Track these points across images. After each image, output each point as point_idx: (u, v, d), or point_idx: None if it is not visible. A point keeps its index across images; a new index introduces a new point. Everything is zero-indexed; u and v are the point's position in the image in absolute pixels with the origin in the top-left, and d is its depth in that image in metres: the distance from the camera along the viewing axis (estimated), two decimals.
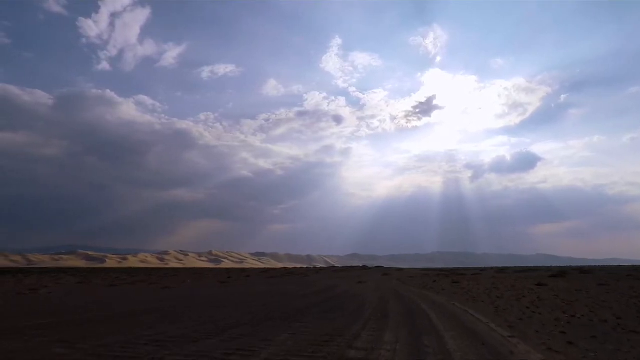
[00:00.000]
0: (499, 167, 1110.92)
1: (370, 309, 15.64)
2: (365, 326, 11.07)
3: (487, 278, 49.60)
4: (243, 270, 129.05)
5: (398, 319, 12.69)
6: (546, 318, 12.69)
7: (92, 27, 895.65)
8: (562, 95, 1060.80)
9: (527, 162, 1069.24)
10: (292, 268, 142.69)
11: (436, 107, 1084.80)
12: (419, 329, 10.65)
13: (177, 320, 12.47)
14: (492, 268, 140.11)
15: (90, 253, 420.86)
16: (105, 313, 14.53)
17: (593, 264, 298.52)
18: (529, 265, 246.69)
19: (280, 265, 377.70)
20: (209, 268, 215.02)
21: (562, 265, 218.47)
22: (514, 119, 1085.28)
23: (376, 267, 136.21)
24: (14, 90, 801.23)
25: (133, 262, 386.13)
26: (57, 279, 52.66)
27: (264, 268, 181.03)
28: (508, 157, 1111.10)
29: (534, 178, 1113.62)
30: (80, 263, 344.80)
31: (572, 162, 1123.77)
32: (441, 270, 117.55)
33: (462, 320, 12.27)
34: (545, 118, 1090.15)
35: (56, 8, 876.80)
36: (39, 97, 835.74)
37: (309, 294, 25.11)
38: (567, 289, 26.71)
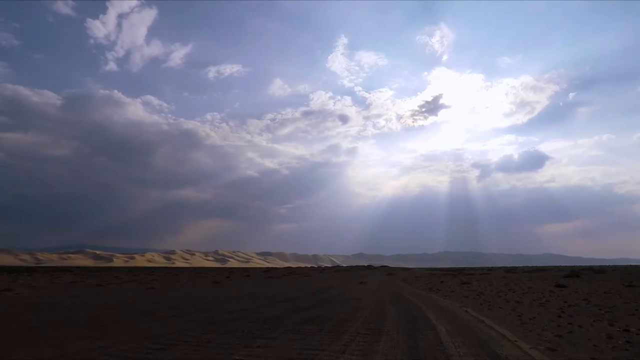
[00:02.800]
0: (507, 166, 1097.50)
1: (362, 318, 12.61)
2: (346, 347, 8.07)
3: (498, 278, 46.36)
4: (245, 269, 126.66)
5: (395, 334, 9.65)
6: (592, 333, 9.56)
7: (100, 28, 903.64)
8: (571, 94, 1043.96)
9: (535, 161, 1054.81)
10: (296, 267, 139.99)
11: (443, 106, 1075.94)
12: (421, 353, 7.64)
13: (105, 333, 9.56)
14: (500, 268, 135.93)
15: (98, 252, 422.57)
16: (21, 323, 11.69)
17: (602, 264, 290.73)
18: (538, 265, 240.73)
19: (286, 264, 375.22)
20: (212, 267, 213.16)
21: (570, 265, 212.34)
22: (522, 118, 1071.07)
23: (381, 266, 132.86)
24: (23, 91, 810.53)
25: (140, 261, 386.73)
26: (55, 278, 50.80)
27: (267, 267, 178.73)
28: (516, 156, 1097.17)
29: (542, 177, 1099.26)
30: (88, 262, 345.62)
31: (581, 160, 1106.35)
32: (448, 270, 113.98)
33: (481, 337, 9.20)
34: (553, 116, 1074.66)
35: (65, 9, 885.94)
36: (48, 98, 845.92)
37: (298, 296, 22.19)
38: (593, 291, 23.39)
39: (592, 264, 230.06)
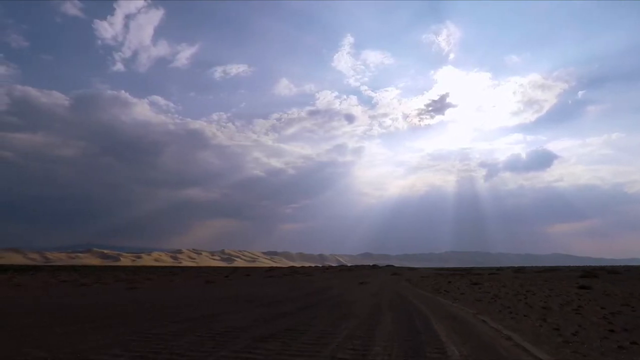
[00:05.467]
0: (514, 165, 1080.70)
1: (347, 331, 9.68)
2: None
3: (509, 279, 43.33)
4: (248, 269, 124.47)
5: None
6: None
7: (107, 29, 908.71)
8: (580, 92, 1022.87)
9: (543, 160, 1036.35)
10: (299, 267, 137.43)
11: (449, 105, 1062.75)
12: None
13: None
14: (508, 268, 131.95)
15: (105, 251, 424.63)
16: None
17: (613, 264, 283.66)
18: (546, 265, 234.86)
19: (292, 264, 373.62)
20: (217, 267, 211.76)
21: (580, 265, 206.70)
22: (530, 116, 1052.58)
23: (386, 266, 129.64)
24: (32, 91, 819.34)
25: (147, 260, 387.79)
26: (55, 277, 49.14)
27: (270, 267, 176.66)
28: (523, 155, 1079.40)
29: (550, 176, 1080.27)
30: (96, 261, 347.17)
31: (590, 159, 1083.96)
32: (455, 270, 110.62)
33: None
34: (561, 115, 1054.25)
35: (73, 11, 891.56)
36: (56, 98, 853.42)
37: (287, 298, 19.36)
38: (628, 294, 20.21)
39: (602, 264, 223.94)
